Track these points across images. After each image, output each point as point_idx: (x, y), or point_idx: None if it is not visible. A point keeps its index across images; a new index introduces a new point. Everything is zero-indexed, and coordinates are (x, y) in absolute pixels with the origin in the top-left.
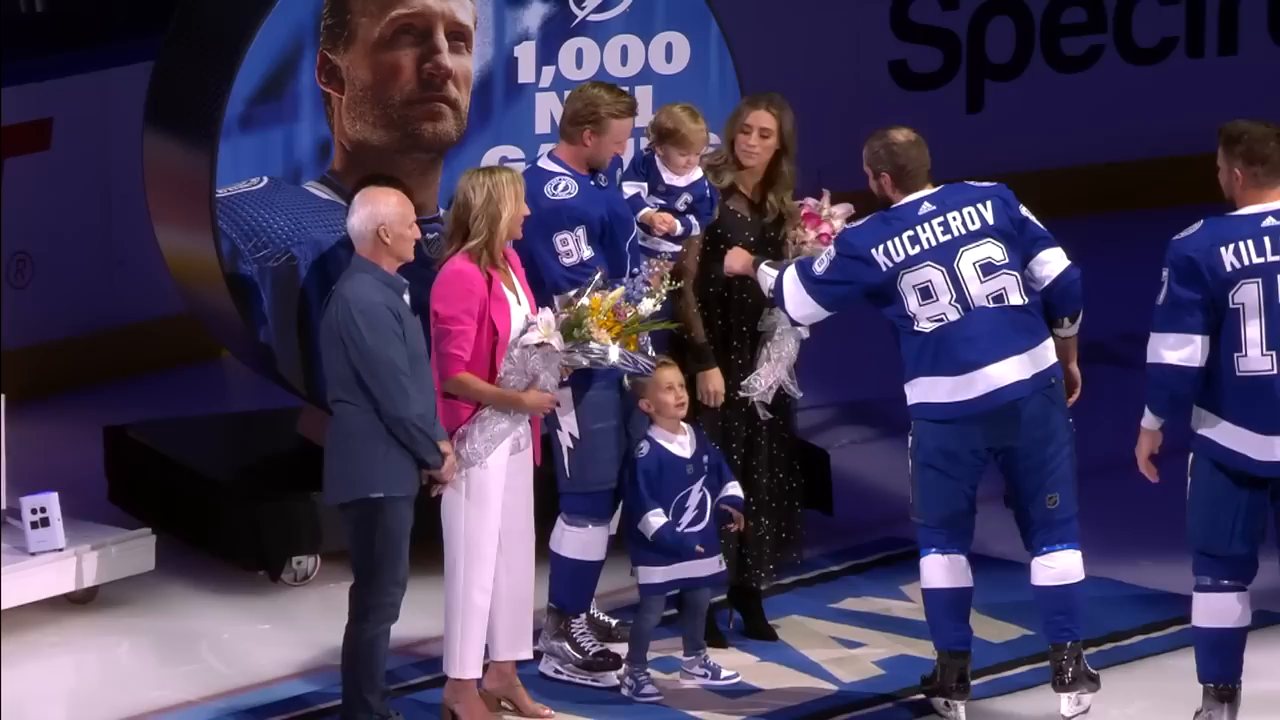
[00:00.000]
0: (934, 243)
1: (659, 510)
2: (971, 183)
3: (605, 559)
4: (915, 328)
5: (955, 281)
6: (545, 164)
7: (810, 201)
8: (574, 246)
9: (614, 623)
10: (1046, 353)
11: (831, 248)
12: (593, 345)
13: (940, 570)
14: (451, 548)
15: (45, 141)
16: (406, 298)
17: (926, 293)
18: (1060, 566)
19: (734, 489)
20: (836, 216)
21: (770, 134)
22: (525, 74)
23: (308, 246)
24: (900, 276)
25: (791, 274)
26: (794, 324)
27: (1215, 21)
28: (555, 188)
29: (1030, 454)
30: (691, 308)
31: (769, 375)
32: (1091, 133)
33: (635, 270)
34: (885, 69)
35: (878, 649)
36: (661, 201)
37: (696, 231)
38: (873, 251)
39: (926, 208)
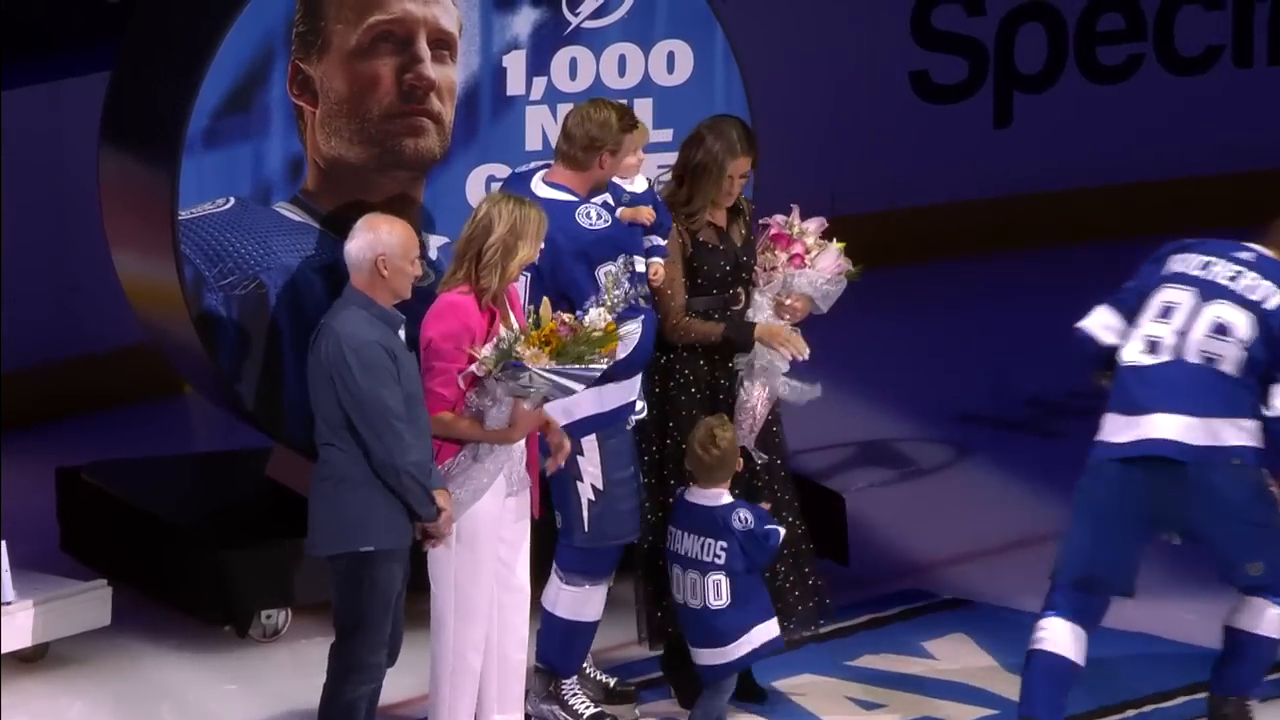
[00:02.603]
0: (1212, 277)
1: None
2: None
3: (600, 619)
4: (1122, 352)
5: (1192, 318)
6: (550, 192)
7: (778, 219)
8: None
9: (612, 681)
10: (1232, 430)
11: None
12: (521, 374)
13: (1055, 635)
14: (440, 600)
15: None
16: (402, 334)
17: (1166, 312)
18: (1248, 612)
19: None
20: (809, 233)
21: (747, 174)
22: (515, 86)
23: (278, 273)
24: (1162, 287)
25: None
26: None
27: (1265, 28)
28: (589, 217)
29: (1209, 532)
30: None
31: (746, 420)
32: (1129, 149)
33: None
34: (905, 80)
35: (898, 712)
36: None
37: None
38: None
39: (1245, 255)
